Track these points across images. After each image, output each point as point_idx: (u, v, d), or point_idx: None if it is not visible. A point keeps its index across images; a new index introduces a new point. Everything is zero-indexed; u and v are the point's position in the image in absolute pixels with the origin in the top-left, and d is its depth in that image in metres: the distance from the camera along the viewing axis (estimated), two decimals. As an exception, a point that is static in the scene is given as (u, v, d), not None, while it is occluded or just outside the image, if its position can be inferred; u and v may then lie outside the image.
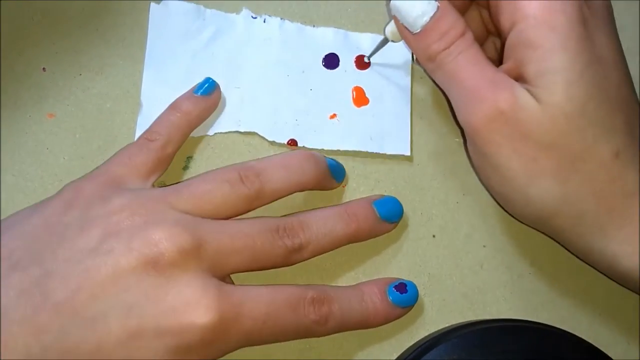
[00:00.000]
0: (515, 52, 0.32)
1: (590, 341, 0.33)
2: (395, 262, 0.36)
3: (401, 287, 0.34)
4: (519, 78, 0.32)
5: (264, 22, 0.39)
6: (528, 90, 0.31)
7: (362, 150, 0.38)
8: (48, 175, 0.36)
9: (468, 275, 0.36)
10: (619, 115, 0.32)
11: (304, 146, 0.37)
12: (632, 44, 0.41)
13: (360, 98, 0.39)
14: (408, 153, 0.38)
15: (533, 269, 0.37)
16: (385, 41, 0.37)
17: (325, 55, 0.39)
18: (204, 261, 0.30)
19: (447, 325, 0.35)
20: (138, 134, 0.36)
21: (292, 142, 0.37)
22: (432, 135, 0.39)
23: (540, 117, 0.31)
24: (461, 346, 0.32)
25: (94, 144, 0.37)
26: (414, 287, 0.35)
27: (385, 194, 0.37)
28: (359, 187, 0.37)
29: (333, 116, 0.38)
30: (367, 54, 0.39)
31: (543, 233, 0.36)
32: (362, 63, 0.39)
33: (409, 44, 0.34)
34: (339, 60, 0.39)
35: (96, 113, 0.37)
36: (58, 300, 0.28)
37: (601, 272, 0.34)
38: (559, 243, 0.35)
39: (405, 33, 0.34)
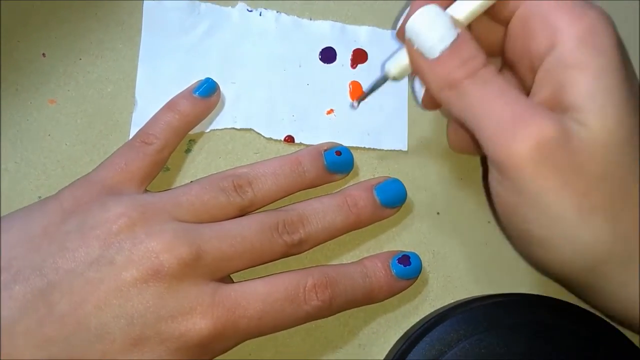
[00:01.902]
0: (555, 76, 0.29)
1: (595, 312, 0.33)
2: (400, 239, 0.36)
3: (404, 259, 0.34)
4: (557, 107, 0.29)
5: (260, 15, 0.39)
6: (573, 118, 0.28)
7: (359, 146, 0.37)
8: (50, 162, 0.36)
9: (473, 252, 0.36)
10: None
11: (301, 142, 0.37)
12: (632, 45, 0.40)
13: (357, 93, 0.38)
14: (405, 148, 0.38)
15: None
16: (383, 81, 0.33)
17: (322, 49, 0.39)
18: (202, 269, 0.30)
19: (452, 301, 0.35)
20: (133, 130, 0.36)
21: (289, 139, 0.37)
22: (433, 113, 0.38)
23: (591, 144, 0.27)
24: (467, 321, 0.32)
25: (96, 128, 0.37)
26: (417, 258, 0.34)
27: (388, 174, 0.37)
28: (362, 166, 0.37)
29: (330, 111, 0.38)
30: (367, 50, 0.38)
31: (576, 294, 0.34)
32: (359, 57, 0.39)
33: (422, 71, 0.31)
34: (336, 54, 0.39)
35: (97, 97, 0.37)
36: (63, 313, 0.29)
37: (634, 330, 0.32)
38: (592, 305, 0.33)
39: (419, 60, 0.30)
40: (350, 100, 0.38)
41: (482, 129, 0.29)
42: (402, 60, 0.32)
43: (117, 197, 0.32)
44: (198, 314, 0.30)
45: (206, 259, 0.31)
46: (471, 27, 0.32)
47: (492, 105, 0.29)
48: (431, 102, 0.34)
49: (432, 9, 0.30)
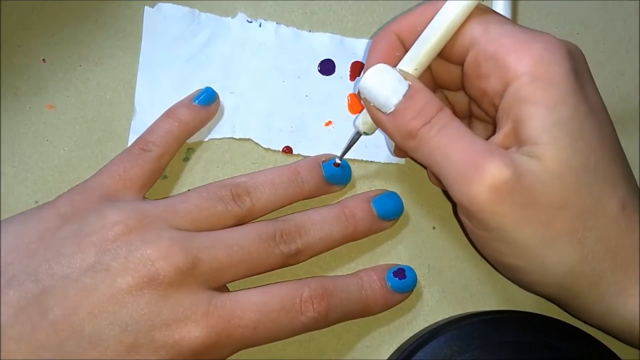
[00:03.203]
0: (511, 112, 0.30)
1: (589, 332, 0.33)
2: (395, 253, 0.36)
3: (400, 272, 0.34)
4: (516, 142, 0.30)
5: (260, 26, 0.39)
6: (528, 153, 0.29)
7: (357, 158, 0.37)
8: (48, 167, 0.36)
9: (468, 267, 0.36)
10: (617, 166, 0.30)
11: (299, 153, 0.37)
12: (632, 45, 0.40)
13: (355, 105, 0.39)
14: (402, 162, 0.38)
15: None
16: (357, 136, 0.34)
17: (321, 61, 0.39)
18: (198, 277, 0.31)
19: (447, 316, 0.35)
20: (132, 137, 0.36)
21: (287, 149, 0.37)
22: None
23: (545, 177, 0.29)
24: (461, 338, 0.32)
25: (94, 135, 0.37)
26: (412, 271, 0.35)
27: (386, 187, 0.37)
28: (359, 179, 0.37)
29: (328, 123, 0.38)
30: (364, 61, 0.39)
31: (556, 304, 0.34)
32: (357, 70, 0.39)
33: (382, 125, 0.32)
34: (334, 67, 0.39)
35: (96, 104, 0.37)
36: (56, 318, 0.29)
37: (620, 340, 0.32)
38: (572, 315, 0.33)
39: (378, 115, 0.32)
40: (349, 113, 0.38)
41: (442, 175, 0.31)
42: (367, 117, 0.33)
43: (114, 204, 0.32)
44: (192, 322, 0.29)
45: (202, 268, 0.31)
46: (431, 68, 0.34)
47: (448, 151, 0.30)
48: (402, 151, 0.35)
49: (380, 68, 0.31)
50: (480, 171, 0.29)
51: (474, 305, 0.36)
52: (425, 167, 0.37)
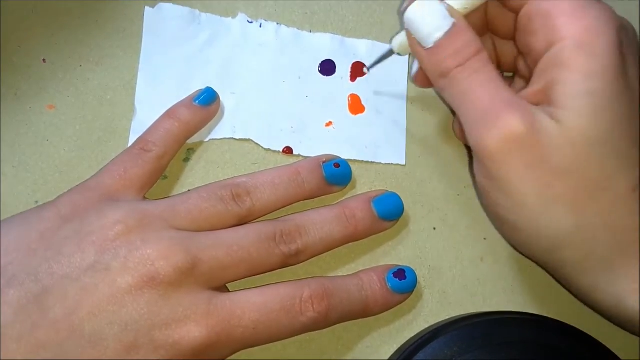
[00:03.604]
0: (548, 73, 0.30)
1: (590, 333, 0.33)
2: (396, 254, 0.36)
3: (400, 273, 0.34)
4: (545, 101, 0.30)
5: (260, 27, 0.39)
6: (551, 114, 0.30)
7: (357, 159, 0.37)
8: (48, 167, 0.36)
9: (468, 268, 0.36)
10: (638, 148, 0.30)
11: (299, 154, 0.37)
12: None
13: (356, 106, 0.39)
14: (403, 162, 0.38)
15: (533, 261, 0.36)
16: (390, 53, 0.35)
17: (322, 62, 0.39)
18: (198, 277, 0.30)
19: (447, 317, 0.35)
20: (132, 138, 0.36)
21: (288, 150, 0.37)
22: (432, 127, 0.39)
23: (560, 140, 0.29)
24: (461, 338, 0.32)
25: (94, 135, 0.37)
26: (413, 272, 0.35)
27: (386, 188, 0.37)
28: (360, 179, 0.37)
29: (329, 124, 0.38)
30: (367, 64, 0.39)
31: (545, 270, 0.35)
32: (358, 70, 0.39)
33: (419, 58, 0.33)
34: (335, 67, 0.39)
35: (96, 104, 0.37)
36: (56, 318, 0.29)
37: (601, 315, 0.33)
38: (559, 282, 0.34)
39: (417, 47, 0.32)
40: (350, 113, 0.38)
41: (463, 117, 0.32)
42: (404, 39, 0.33)
43: (114, 204, 0.32)
44: (192, 322, 0.29)
45: (202, 268, 0.31)
46: (486, 10, 0.34)
47: (474, 95, 0.31)
48: (422, 80, 0.36)
49: (429, 1, 0.31)
50: (497, 120, 0.30)
51: (474, 306, 0.36)
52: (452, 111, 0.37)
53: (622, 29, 0.30)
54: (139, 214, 0.31)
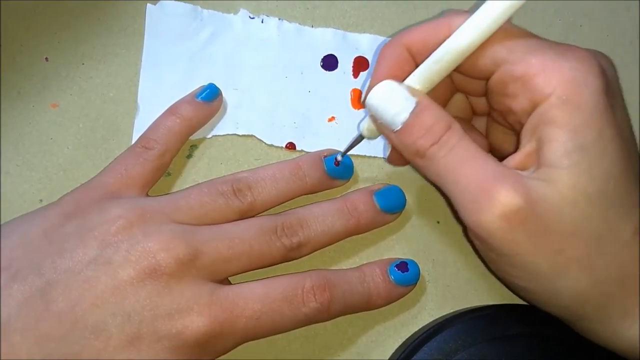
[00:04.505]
0: (536, 133, 0.29)
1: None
2: (399, 247, 0.36)
3: (402, 266, 0.34)
4: (537, 162, 0.29)
5: (262, 22, 0.39)
6: (543, 177, 0.29)
7: (360, 154, 0.37)
8: (52, 165, 0.36)
9: (472, 261, 0.36)
10: (636, 189, 0.30)
11: (302, 150, 0.37)
12: (636, 36, 0.40)
13: (358, 100, 0.38)
14: None
15: None
16: (360, 138, 0.34)
17: (324, 57, 0.39)
18: (200, 269, 0.31)
19: (451, 310, 0.35)
20: (135, 136, 0.36)
21: (290, 146, 0.37)
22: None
23: (560, 204, 0.28)
24: (466, 331, 0.32)
25: (98, 133, 0.37)
26: (415, 265, 0.35)
27: (388, 182, 0.37)
28: (362, 173, 0.37)
29: (331, 119, 0.38)
30: (370, 58, 0.39)
31: (565, 323, 0.33)
32: (360, 65, 0.39)
33: (391, 141, 0.32)
34: (337, 62, 0.39)
35: (99, 102, 0.37)
36: (60, 310, 0.29)
37: (623, 357, 0.32)
38: (579, 332, 0.33)
39: (385, 131, 0.32)
40: (352, 108, 0.38)
41: (452, 197, 0.30)
42: (371, 124, 0.33)
43: (116, 201, 0.32)
44: (195, 312, 0.30)
45: (204, 260, 0.31)
46: (452, 77, 0.33)
47: (458, 175, 0.30)
48: (397, 160, 0.35)
49: (387, 84, 0.31)
50: (491, 199, 0.28)
51: (478, 299, 0.36)
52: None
53: (602, 71, 0.29)
54: (140, 209, 0.32)
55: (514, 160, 0.30)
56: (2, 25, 0.37)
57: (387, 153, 0.35)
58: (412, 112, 0.30)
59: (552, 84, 0.29)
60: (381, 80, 0.31)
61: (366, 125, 0.33)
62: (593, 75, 0.29)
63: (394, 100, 0.31)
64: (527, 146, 0.30)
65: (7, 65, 0.37)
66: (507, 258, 0.30)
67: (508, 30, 0.30)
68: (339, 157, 0.36)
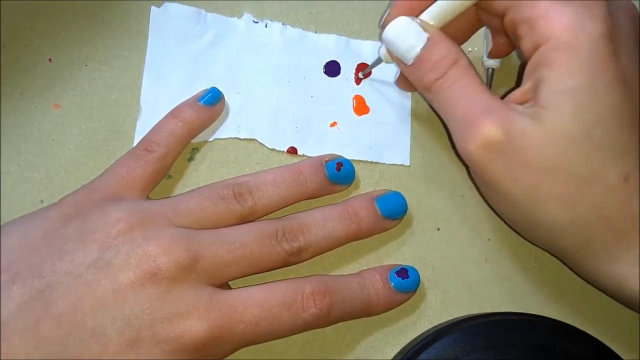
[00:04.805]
0: (535, 72, 0.31)
1: (593, 335, 0.33)
2: (400, 254, 0.36)
3: (402, 272, 0.34)
4: (532, 100, 0.31)
5: (266, 27, 0.39)
6: (534, 114, 0.30)
7: (362, 159, 0.37)
8: (54, 166, 0.36)
9: (472, 269, 0.36)
10: (632, 136, 0.30)
11: (303, 154, 0.37)
12: None
13: (360, 106, 0.39)
14: (407, 163, 0.38)
15: (537, 262, 0.37)
16: (379, 61, 0.37)
17: (327, 63, 0.39)
18: (200, 273, 0.31)
19: (450, 318, 0.35)
20: (137, 138, 0.36)
21: (292, 150, 0.37)
22: (437, 128, 0.38)
23: (540, 141, 0.30)
24: (465, 339, 0.32)
25: (100, 134, 0.37)
26: (415, 271, 0.35)
27: (390, 187, 0.37)
28: (363, 179, 0.37)
29: (333, 124, 0.38)
30: (369, 62, 0.39)
31: (553, 255, 0.36)
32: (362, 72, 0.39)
33: (405, 74, 0.34)
34: (340, 68, 0.39)
35: (102, 104, 0.37)
36: (59, 312, 0.29)
37: (607, 294, 0.34)
38: (566, 265, 0.35)
39: (399, 64, 0.34)
40: (354, 114, 0.38)
41: (450, 127, 0.33)
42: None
43: (116, 203, 0.32)
44: (194, 316, 0.30)
45: (203, 264, 0.31)
46: (478, 12, 0.35)
47: (455, 105, 0.32)
48: (404, 84, 0.37)
49: (401, 21, 0.33)
50: (474, 129, 0.31)
51: (478, 307, 0.36)
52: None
53: (608, 16, 0.30)
54: (140, 212, 0.32)
55: (514, 95, 0.32)
56: (6, 25, 0.37)
57: (396, 78, 0.38)
58: (423, 48, 0.32)
59: (552, 27, 0.30)
60: (399, 14, 0.33)
61: (384, 52, 0.35)
62: (594, 21, 0.30)
63: (408, 36, 0.33)
64: (525, 85, 0.32)
65: (11, 65, 0.37)
66: (490, 186, 0.32)
67: None
68: (361, 75, 0.38)
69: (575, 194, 0.30)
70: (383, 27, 0.34)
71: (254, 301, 0.31)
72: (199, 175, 0.37)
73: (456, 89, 0.32)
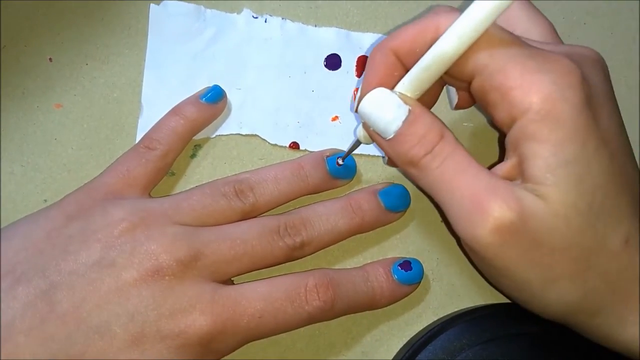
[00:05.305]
0: (518, 147, 0.29)
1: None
2: (403, 247, 0.36)
3: (406, 265, 0.34)
4: (522, 176, 0.29)
5: (265, 22, 0.39)
6: (532, 191, 0.28)
7: (363, 153, 0.37)
8: (56, 166, 0.36)
9: (477, 260, 0.36)
10: (625, 197, 0.29)
11: (305, 149, 0.37)
12: (633, 47, 0.40)
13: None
14: None
15: None
16: (358, 143, 0.34)
17: (327, 56, 0.39)
18: (202, 270, 0.31)
19: (456, 309, 0.35)
20: (139, 135, 0.36)
21: (294, 145, 0.37)
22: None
23: (551, 220, 0.28)
24: (470, 330, 0.32)
25: (102, 133, 0.37)
26: (419, 264, 0.35)
27: (393, 182, 0.37)
28: (366, 173, 0.37)
29: (335, 118, 0.38)
30: (368, 53, 0.38)
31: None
32: (364, 64, 0.39)
33: (383, 149, 0.31)
34: (340, 61, 0.39)
35: (103, 102, 0.37)
36: (64, 311, 0.29)
37: (619, 353, 0.32)
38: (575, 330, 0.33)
39: (378, 139, 0.31)
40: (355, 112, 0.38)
41: (446, 209, 0.30)
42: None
43: (118, 202, 0.32)
44: (198, 311, 0.30)
45: (206, 261, 0.31)
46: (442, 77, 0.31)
47: (451, 186, 0.29)
48: (394, 164, 0.34)
49: (379, 92, 0.30)
50: (484, 212, 0.28)
51: (483, 299, 0.36)
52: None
53: (584, 81, 0.29)
54: (142, 211, 0.32)
55: (501, 170, 0.30)
56: (6, 25, 0.37)
57: (386, 158, 0.35)
58: (405, 121, 0.30)
59: (529, 98, 0.28)
60: (372, 88, 0.31)
61: (362, 133, 0.33)
62: (572, 89, 0.28)
63: (387, 109, 0.30)
64: (511, 159, 0.29)
65: (11, 65, 0.37)
66: (499, 271, 0.30)
67: (492, 34, 0.29)
68: (340, 161, 0.36)
69: (585, 268, 0.29)
70: (358, 102, 0.31)
71: (258, 295, 0.31)
72: (201, 172, 0.37)
73: (449, 166, 0.29)
